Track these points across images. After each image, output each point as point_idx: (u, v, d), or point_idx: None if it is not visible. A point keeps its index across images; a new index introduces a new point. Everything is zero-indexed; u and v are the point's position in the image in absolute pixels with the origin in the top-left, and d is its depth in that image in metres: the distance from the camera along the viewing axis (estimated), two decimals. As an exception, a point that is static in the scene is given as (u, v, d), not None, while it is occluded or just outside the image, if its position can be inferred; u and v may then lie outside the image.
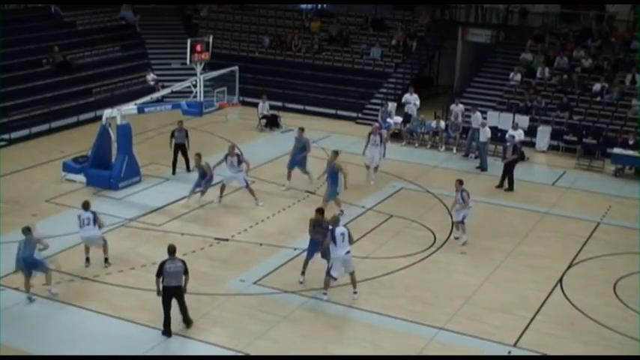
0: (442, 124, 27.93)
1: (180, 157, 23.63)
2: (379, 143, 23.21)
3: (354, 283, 16.18)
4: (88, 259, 17.50)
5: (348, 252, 15.92)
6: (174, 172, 23.58)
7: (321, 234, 16.35)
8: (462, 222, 19.08)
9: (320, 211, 16.86)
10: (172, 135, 23.66)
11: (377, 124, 23.29)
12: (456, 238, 19.29)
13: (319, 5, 38.97)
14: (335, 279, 16.03)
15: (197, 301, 15.87)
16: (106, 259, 17.51)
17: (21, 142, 26.52)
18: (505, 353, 14.51)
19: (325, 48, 35.13)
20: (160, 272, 14.41)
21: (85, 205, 17.19)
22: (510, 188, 23.38)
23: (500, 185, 23.47)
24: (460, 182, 19.25)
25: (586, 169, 25.97)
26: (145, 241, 18.86)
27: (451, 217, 20.06)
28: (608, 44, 31.76)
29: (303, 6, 39.07)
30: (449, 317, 15.62)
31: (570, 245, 19.41)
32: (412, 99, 29.77)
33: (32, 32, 31.99)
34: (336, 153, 21.11)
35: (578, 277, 17.78)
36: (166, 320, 14.61)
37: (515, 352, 14.57)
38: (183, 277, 14.54)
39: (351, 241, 16.10)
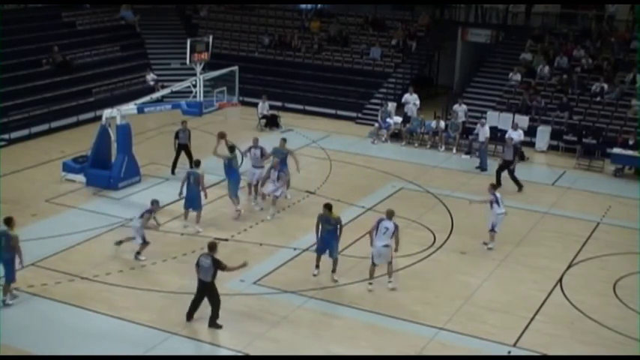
0: (442, 124, 27.95)
1: (183, 159, 23.52)
2: (276, 179, 20.69)
3: (389, 273, 16.62)
4: (120, 242, 17.93)
5: (385, 245, 16.34)
6: (173, 172, 23.57)
7: (330, 231, 16.64)
8: (493, 230, 18.80)
9: (328, 207, 16.91)
10: (176, 136, 23.62)
11: (277, 160, 21.29)
12: (485, 245, 18.94)
13: (319, 5, 38.96)
14: (375, 265, 16.62)
15: (197, 301, 15.91)
16: (138, 253, 17.80)
17: (21, 142, 26.51)
18: (505, 353, 14.51)
19: (325, 48, 35.13)
20: (197, 263, 14.80)
21: (154, 202, 17.95)
22: (519, 188, 23.32)
23: (520, 188, 23.30)
24: (492, 186, 19.06)
25: (586, 169, 25.97)
26: (145, 241, 18.86)
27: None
28: (608, 44, 31.77)
29: (303, 6, 39.06)
30: (449, 317, 15.63)
31: (570, 245, 19.41)
32: (412, 99, 29.81)
33: (32, 32, 32.00)
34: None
35: (578, 277, 17.78)
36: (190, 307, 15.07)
37: (515, 352, 14.57)
38: (212, 272, 14.65)
39: (396, 241, 16.52)
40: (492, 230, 18.85)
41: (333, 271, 16.92)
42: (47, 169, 23.77)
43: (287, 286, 16.65)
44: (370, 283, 16.64)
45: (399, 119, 29.17)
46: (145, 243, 17.59)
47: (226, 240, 18.98)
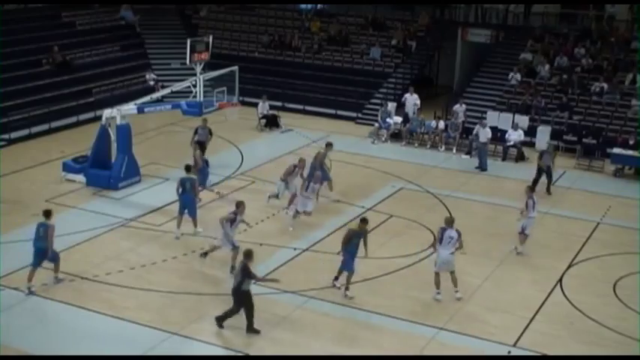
0: (442, 124, 27.96)
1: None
2: (315, 193, 20.37)
3: (454, 282, 16.37)
4: (206, 254, 17.62)
5: (451, 253, 16.22)
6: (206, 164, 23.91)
7: (357, 244, 16.19)
8: (523, 233, 18.63)
9: (365, 222, 16.52)
10: (195, 132, 23.85)
11: (319, 173, 20.67)
12: (517, 253, 18.76)
13: (319, 5, 38.96)
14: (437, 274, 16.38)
15: (197, 301, 15.90)
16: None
17: (21, 142, 26.51)
18: (505, 353, 14.52)
19: (325, 48, 35.13)
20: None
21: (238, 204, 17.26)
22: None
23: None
24: (530, 188, 19.03)
25: (586, 169, 25.97)
26: (145, 241, 18.85)
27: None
28: (608, 44, 31.78)
29: (303, 6, 39.06)
30: (449, 317, 15.63)
31: (570, 245, 19.40)
32: (412, 99, 29.78)
33: (32, 32, 32.01)
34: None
35: (577, 277, 17.79)
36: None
37: (515, 352, 14.57)
38: (239, 279, 14.47)
39: (461, 245, 16.42)
40: (522, 233, 18.63)
41: (347, 289, 16.33)
42: (47, 169, 23.76)
43: (287, 286, 16.61)
44: (438, 293, 16.33)
45: (399, 119, 29.18)
46: (235, 248, 17.05)
47: (226, 240, 18.98)
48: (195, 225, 19.24)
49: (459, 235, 16.31)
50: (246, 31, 37.53)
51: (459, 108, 28.69)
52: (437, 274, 16.38)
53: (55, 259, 16.25)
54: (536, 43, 32.55)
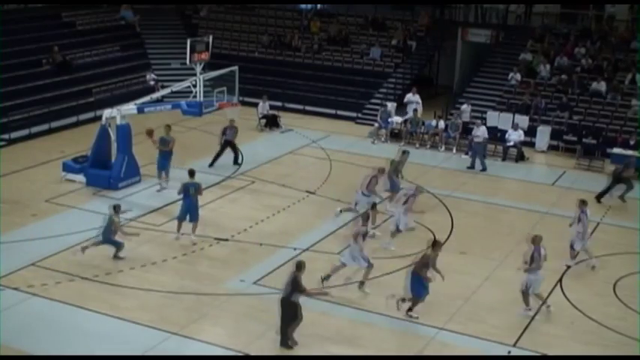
0: (442, 124, 27.96)
1: (228, 153, 24.66)
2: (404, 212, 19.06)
3: (542, 299, 16.02)
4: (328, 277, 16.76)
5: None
6: (212, 165, 24.21)
7: (426, 269, 15.62)
8: (572, 248, 18.15)
9: (439, 246, 15.73)
10: (223, 132, 24.45)
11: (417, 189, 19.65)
12: (567, 266, 18.29)
13: (319, 5, 38.96)
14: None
15: (197, 301, 15.90)
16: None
17: (21, 142, 26.50)
18: (505, 353, 14.52)
19: (325, 48, 35.13)
20: None
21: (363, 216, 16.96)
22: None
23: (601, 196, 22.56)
24: (583, 202, 18.35)
25: (586, 169, 25.96)
26: (144, 241, 18.82)
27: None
28: (608, 44, 31.78)
29: (303, 6, 39.07)
30: (449, 317, 15.62)
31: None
32: (414, 99, 29.75)
33: (32, 32, 31.99)
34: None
35: (578, 277, 17.78)
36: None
37: (515, 352, 14.58)
38: (289, 290, 14.20)
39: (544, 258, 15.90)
40: (572, 249, 18.28)
41: (411, 309, 15.72)
42: (47, 169, 23.75)
43: (287, 286, 16.62)
44: (530, 310, 15.89)
45: (399, 119, 29.17)
46: (370, 266, 16.44)
47: (226, 240, 18.99)
48: (193, 230, 18.96)
49: (544, 251, 15.78)
50: (246, 31, 37.53)
51: (466, 108, 28.71)
52: (532, 295, 15.80)
53: (118, 246, 17.73)
54: (536, 43, 32.56)
